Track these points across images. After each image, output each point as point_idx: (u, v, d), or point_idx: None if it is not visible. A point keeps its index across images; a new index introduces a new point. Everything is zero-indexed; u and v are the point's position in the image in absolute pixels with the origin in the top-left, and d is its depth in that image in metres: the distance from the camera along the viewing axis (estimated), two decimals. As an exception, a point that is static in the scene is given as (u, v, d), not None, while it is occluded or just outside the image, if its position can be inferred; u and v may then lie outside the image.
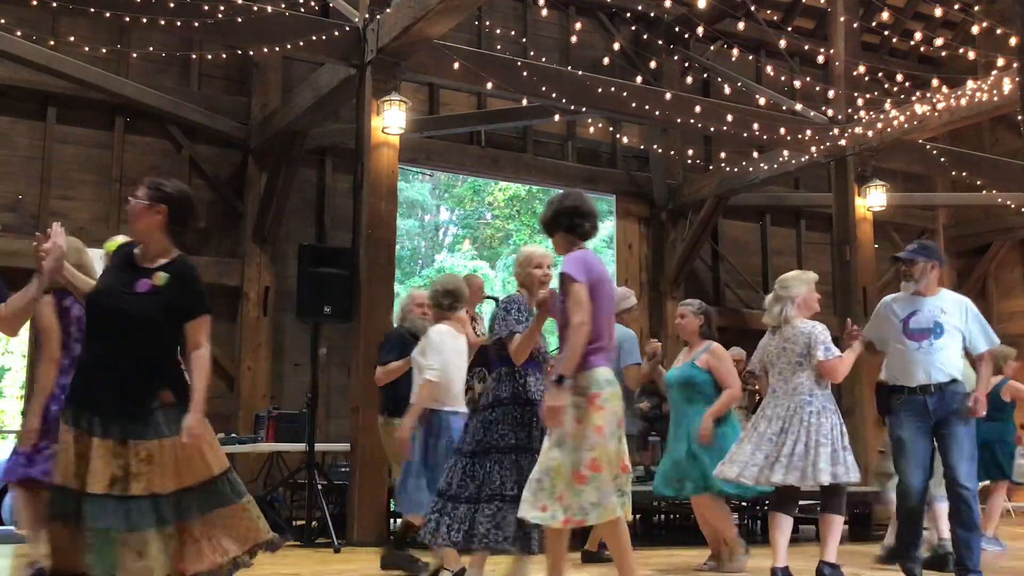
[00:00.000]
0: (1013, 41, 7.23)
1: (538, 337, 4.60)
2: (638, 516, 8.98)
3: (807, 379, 5.29)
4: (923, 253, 5.36)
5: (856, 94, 10.16)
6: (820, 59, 10.41)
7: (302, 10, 8.55)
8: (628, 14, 12.17)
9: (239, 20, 7.75)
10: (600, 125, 11.78)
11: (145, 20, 7.54)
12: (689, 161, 11.79)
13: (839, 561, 5.34)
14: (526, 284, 4.71)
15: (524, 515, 4.10)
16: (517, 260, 4.81)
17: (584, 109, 9.73)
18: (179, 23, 7.53)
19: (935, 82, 9.65)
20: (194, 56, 9.68)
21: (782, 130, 10.09)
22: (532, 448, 4.49)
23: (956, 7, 11.11)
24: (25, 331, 12.79)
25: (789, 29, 12.68)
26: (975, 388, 5.19)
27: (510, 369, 4.68)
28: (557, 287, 4.24)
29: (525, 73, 8.88)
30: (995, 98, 9.08)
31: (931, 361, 5.15)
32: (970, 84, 9.45)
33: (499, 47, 10.91)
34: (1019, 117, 8.07)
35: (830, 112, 10.44)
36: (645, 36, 11.46)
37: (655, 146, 12.08)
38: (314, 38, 8.02)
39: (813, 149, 10.37)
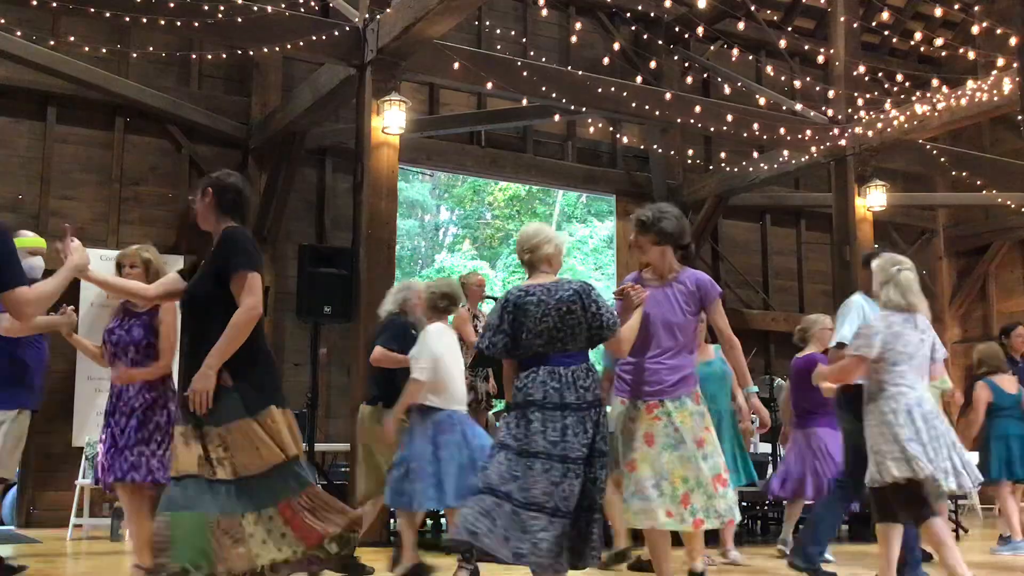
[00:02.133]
0: (1013, 41, 7.24)
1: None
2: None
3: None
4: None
5: (856, 94, 10.16)
6: (820, 59, 10.41)
7: (302, 10, 8.55)
8: (628, 14, 12.18)
9: (239, 20, 7.75)
10: (600, 125, 11.78)
11: (145, 20, 7.55)
12: (689, 161, 11.80)
13: (841, 561, 5.32)
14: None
15: (653, 524, 4.20)
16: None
17: (584, 109, 9.73)
18: (179, 23, 7.53)
19: (935, 82, 9.65)
20: (194, 56, 9.68)
21: (782, 130, 10.09)
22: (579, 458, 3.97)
23: (956, 7, 11.13)
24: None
25: (789, 29, 12.69)
26: None
27: (551, 368, 4.05)
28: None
29: (525, 73, 8.88)
30: (995, 98, 9.08)
31: None
32: (970, 84, 9.45)
33: (499, 47, 10.92)
34: (1019, 117, 8.08)
35: (830, 112, 10.44)
36: (645, 36, 11.45)
37: (655, 146, 12.09)
38: (314, 38, 8.02)
39: (813, 149, 10.37)
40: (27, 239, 5.24)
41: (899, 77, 10.08)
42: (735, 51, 11.79)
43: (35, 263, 5.15)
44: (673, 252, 4.58)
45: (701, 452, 4.20)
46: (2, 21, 7.85)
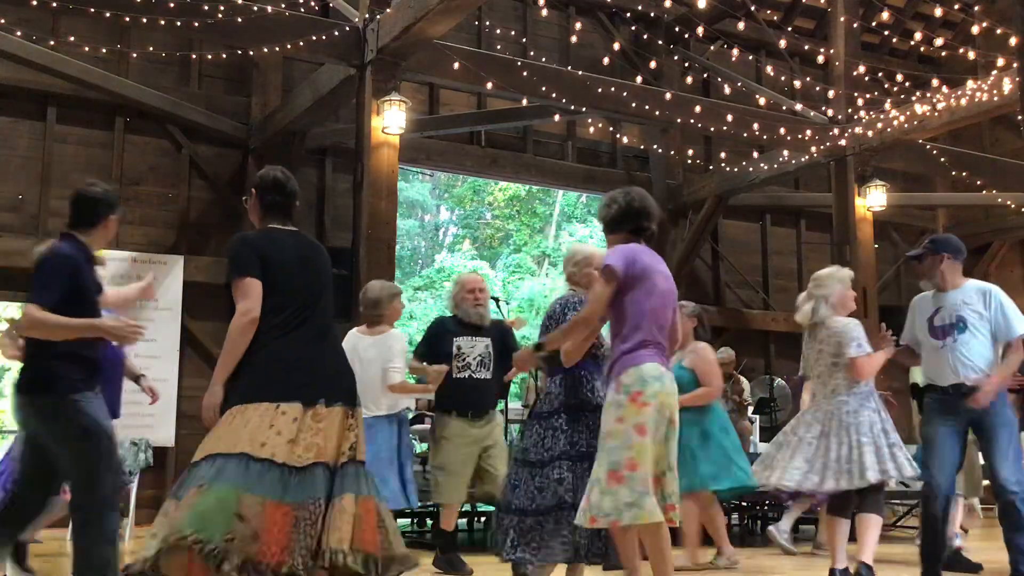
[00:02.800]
0: (1013, 41, 7.23)
1: (593, 338, 4.41)
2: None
3: (843, 379, 5.17)
4: (929, 247, 5.12)
5: (856, 94, 10.16)
6: (820, 59, 10.42)
7: (302, 10, 8.55)
8: (628, 14, 12.17)
9: (239, 20, 7.75)
10: (600, 125, 11.78)
11: (145, 20, 7.54)
12: (689, 161, 11.80)
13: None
14: (583, 284, 4.65)
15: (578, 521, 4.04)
16: (574, 259, 4.75)
17: (584, 109, 9.73)
18: (179, 23, 7.53)
19: (935, 82, 9.65)
20: (194, 56, 9.68)
21: (782, 130, 10.09)
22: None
23: (956, 7, 11.12)
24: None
25: (789, 29, 12.70)
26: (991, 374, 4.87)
27: (575, 373, 4.52)
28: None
29: (525, 73, 8.88)
30: (995, 98, 9.08)
31: (956, 358, 4.91)
32: (970, 84, 9.45)
33: (499, 47, 10.92)
34: (1019, 117, 8.08)
35: (830, 112, 10.44)
36: (645, 36, 11.45)
37: (655, 146, 12.09)
38: (314, 38, 8.02)
39: (813, 149, 10.37)
40: None
41: (899, 77, 10.08)
42: (735, 51, 11.79)
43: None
44: (621, 239, 4.21)
45: (604, 446, 4.00)
46: (2, 21, 7.85)
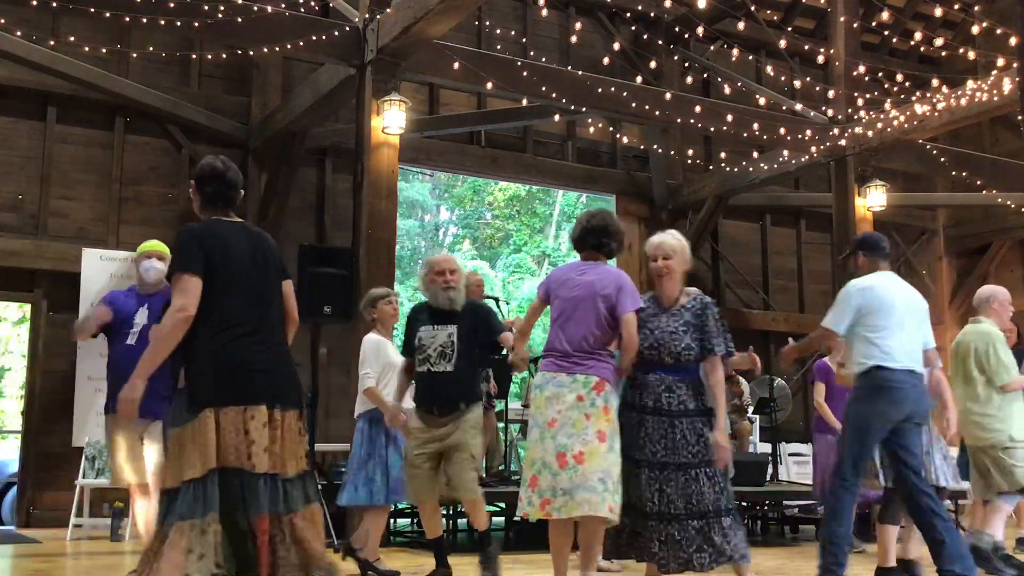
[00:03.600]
0: (1013, 41, 7.24)
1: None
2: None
3: None
4: (853, 247, 5.34)
5: (856, 94, 10.16)
6: (820, 59, 10.42)
7: (302, 10, 8.55)
8: (628, 14, 12.18)
9: (239, 20, 7.75)
10: (600, 125, 11.78)
11: (145, 20, 7.54)
12: (689, 161, 11.80)
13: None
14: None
15: (595, 513, 4.18)
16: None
17: (584, 109, 9.73)
18: (179, 23, 7.53)
19: (935, 82, 9.66)
20: (194, 56, 9.68)
21: (782, 130, 10.10)
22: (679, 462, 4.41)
23: (956, 7, 11.13)
24: (25, 333, 12.77)
25: (789, 29, 12.69)
26: None
27: (644, 374, 4.55)
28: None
29: (525, 73, 8.88)
30: (995, 98, 9.08)
31: None
32: (970, 84, 9.45)
33: (499, 47, 10.92)
34: (1019, 117, 8.08)
35: (830, 112, 10.44)
36: (645, 36, 11.46)
37: (655, 146, 12.09)
38: (314, 38, 8.02)
39: (813, 149, 10.37)
40: (147, 244, 5.36)
41: (899, 77, 10.08)
42: (735, 51, 11.79)
43: (152, 264, 5.20)
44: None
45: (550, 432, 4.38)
46: (2, 21, 7.85)
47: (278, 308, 3.62)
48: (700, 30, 9.38)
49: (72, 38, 8.65)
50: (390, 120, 7.96)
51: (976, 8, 10.57)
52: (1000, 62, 8.86)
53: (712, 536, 4.26)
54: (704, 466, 4.33)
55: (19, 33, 8.27)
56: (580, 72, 9.55)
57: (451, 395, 5.22)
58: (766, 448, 9.67)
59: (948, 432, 5.67)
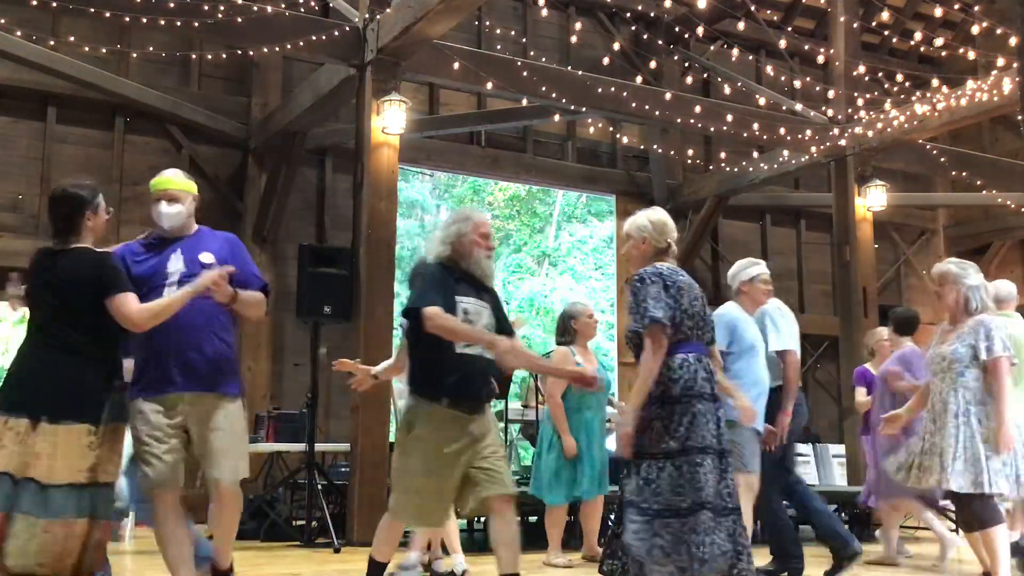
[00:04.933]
0: (1013, 41, 7.23)
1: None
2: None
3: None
4: None
5: (856, 94, 10.16)
6: (820, 59, 10.42)
7: (302, 10, 8.55)
8: (628, 14, 12.18)
9: (239, 20, 7.75)
10: (600, 125, 11.78)
11: (145, 20, 7.54)
12: (689, 161, 11.80)
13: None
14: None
15: None
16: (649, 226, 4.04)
17: (584, 109, 9.73)
18: (179, 23, 7.53)
19: (935, 82, 9.66)
20: (194, 56, 9.68)
21: (782, 130, 10.09)
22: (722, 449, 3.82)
23: (956, 7, 11.12)
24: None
25: (789, 29, 12.69)
26: None
27: (699, 356, 3.84)
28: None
29: (525, 73, 8.88)
30: (995, 98, 9.08)
31: None
32: (970, 84, 9.45)
33: (499, 47, 10.92)
34: (1019, 117, 8.07)
35: (830, 112, 10.44)
36: (645, 36, 11.46)
37: (655, 146, 12.09)
38: (314, 38, 8.02)
39: (813, 149, 10.37)
40: (156, 181, 4.46)
41: (899, 77, 10.07)
42: (735, 51, 11.79)
43: (161, 211, 4.33)
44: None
45: None
46: (2, 21, 7.85)
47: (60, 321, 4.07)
48: (700, 30, 9.38)
49: (72, 38, 8.64)
50: (390, 120, 7.96)
51: (976, 8, 10.55)
52: (1000, 62, 8.85)
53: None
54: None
55: (19, 33, 8.27)
56: (580, 72, 9.55)
57: (491, 387, 4.27)
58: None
59: None
